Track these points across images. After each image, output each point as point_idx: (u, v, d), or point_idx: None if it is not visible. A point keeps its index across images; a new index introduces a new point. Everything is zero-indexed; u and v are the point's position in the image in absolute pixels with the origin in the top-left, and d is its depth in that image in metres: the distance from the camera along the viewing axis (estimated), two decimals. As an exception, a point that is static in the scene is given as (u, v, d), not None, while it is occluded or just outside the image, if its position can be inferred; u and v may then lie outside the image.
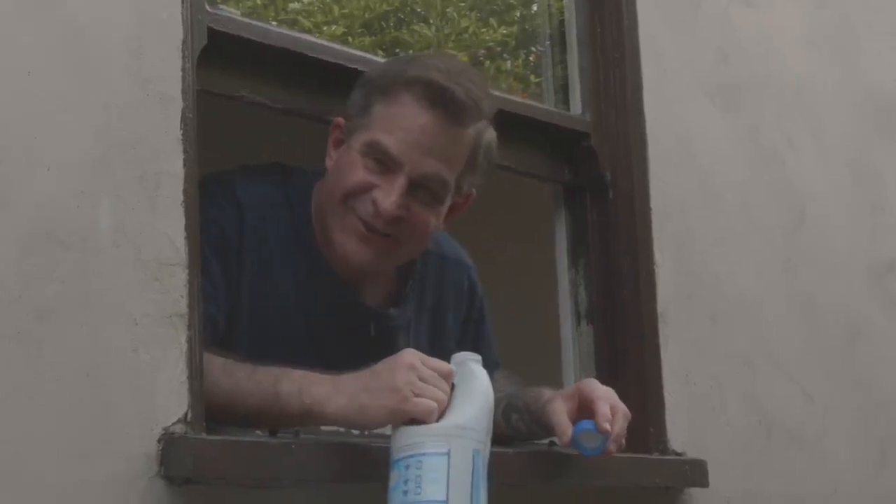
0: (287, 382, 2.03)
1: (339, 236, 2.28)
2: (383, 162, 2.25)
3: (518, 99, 2.84)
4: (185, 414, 1.92)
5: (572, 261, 2.83)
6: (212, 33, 2.10)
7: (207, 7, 2.11)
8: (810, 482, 3.09)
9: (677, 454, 2.75)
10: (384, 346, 2.25)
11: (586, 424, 2.26)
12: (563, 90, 2.94)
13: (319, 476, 2.04)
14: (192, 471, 1.89)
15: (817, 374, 3.20)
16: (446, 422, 1.95)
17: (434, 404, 1.96)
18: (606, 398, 2.27)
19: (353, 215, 2.26)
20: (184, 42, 2.01)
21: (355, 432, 2.23)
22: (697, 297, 2.92)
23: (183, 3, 2.02)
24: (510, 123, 2.68)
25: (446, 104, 2.23)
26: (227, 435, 2.02)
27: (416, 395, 1.96)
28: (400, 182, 2.23)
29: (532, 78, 4.78)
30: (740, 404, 2.97)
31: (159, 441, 1.89)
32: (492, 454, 2.33)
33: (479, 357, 2.06)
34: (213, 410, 1.99)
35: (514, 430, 2.41)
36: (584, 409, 2.29)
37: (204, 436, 1.93)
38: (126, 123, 1.93)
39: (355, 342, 2.34)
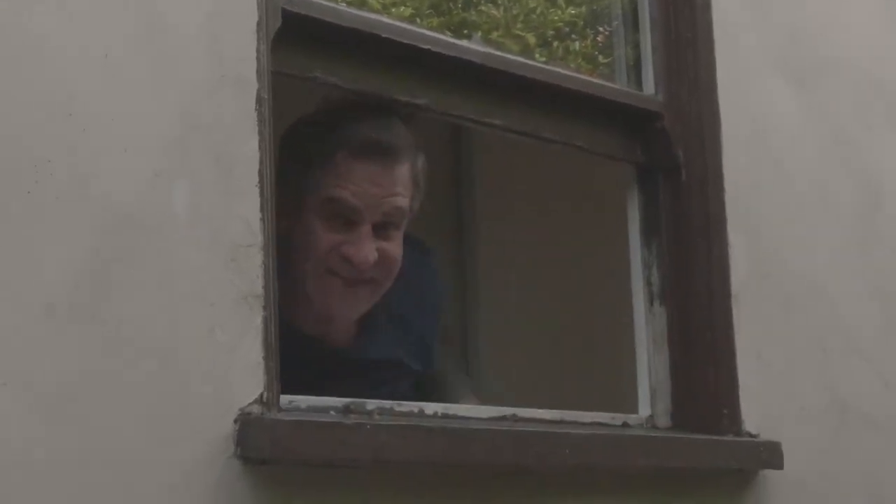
0: None
1: (323, 299, 2.45)
2: (344, 214, 2.40)
3: (591, 79, 2.81)
4: (261, 395, 1.93)
5: (645, 241, 2.81)
6: (286, 15, 2.10)
7: (281, -12, 2.11)
8: (886, 465, 3.06)
9: (751, 436, 2.73)
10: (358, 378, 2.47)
11: None
12: (635, 70, 2.92)
13: (395, 457, 2.04)
14: (269, 451, 1.90)
15: (892, 356, 3.17)
16: None
17: None
18: None
19: (330, 276, 2.42)
20: (259, 24, 2.02)
21: (428, 412, 2.24)
22: (771, 279, 2.90)
23: (258, -16, 2.02)
24: (583, 103, 2.67)
25: (382, 151, 2.42)
26: (302, 415, 2.03)
27: None
28: (366, 230, 2.41)
29: (600, 58, 4.75)
30: (814, 387, 2.95)
31: (235, 422, 1.90)
32: (565, 436, 2.34)
33: None
34: None
35: None
36: None
37: (280, 416, 1.94)
38: (202, 105, 1.94)
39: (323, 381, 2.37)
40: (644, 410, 2.72)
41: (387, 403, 2.20)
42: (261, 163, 1.98)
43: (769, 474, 2.74)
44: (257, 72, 2.00)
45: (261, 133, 1.99)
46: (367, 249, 2.41)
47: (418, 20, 5.27)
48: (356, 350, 2.57)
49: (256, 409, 1.92)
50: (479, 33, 5.22)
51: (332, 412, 2.09)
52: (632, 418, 2.66)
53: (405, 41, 2.34)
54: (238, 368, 1.92)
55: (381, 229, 2.44)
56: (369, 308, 2.55)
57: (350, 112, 2.46)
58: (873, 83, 3.30)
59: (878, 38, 3.35)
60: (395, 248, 2.47)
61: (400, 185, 2.46)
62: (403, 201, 2.47)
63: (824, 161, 3.11)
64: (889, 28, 3.39)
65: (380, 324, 2.60)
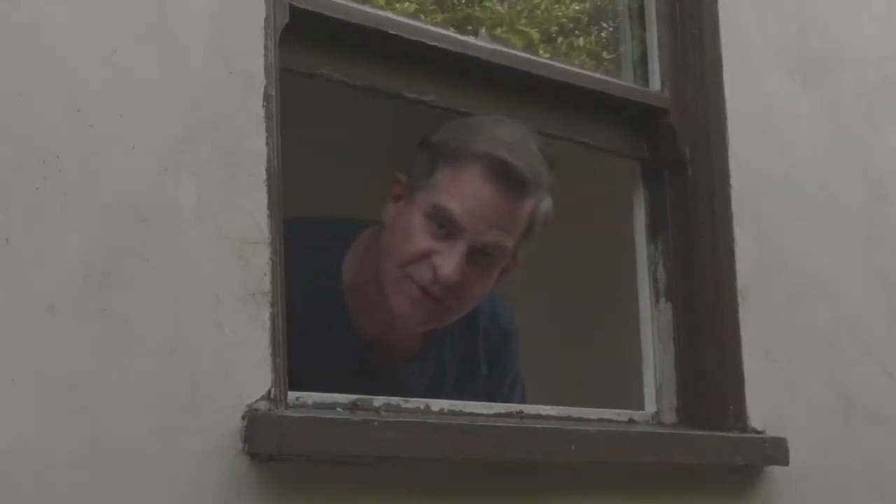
0: None
1: (395, 299, 2.36)
2: (446, 227, 2.31)
3: (597, 75, 2.81)
4: (269, 391, 1.93)
5: (651, 237, 2.81)
6: (293, 11, 2.09)
7: (289, -15, 2.11)
8: (892, 461, 3.06)
9: (757, 432, 2.73)
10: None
11: None
12: (641, 66, 2.91)
13: (401, 453, 2.04)
14: (276, 448, 1.90)
15: (898, 352, 3.17)
16: None
17: None
18: None
19: (409, 281, 2.33)
20: (266, 20, 2.02)
21: (435, 409, 2.24)
22: (777, 275, 2.90)
23: (265, -20, 2.02)
24: (589, 99, 2.67)
25: (511, 179, 2.31)
26: (309, 412, 2.03)
27: None
28: (460, 248, 2.31)
29: (604, 54, 4.76)
30: (820, 382, 2.95)
31: (243, 418, 1.90)
32: (571, 432, 2.34)
33: None
34: None
35: None
36: None
37: (287, 413, 1.94)
38: (209, 101, 1.94)
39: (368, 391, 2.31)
40: (650, 407, 2.73)
41: (393, 400, 2.20)
42: (268, 159, 1.98)
43: (775, 470, 2.74)
44: (265, 68, 2.00)
45: (268, 129, 1.99)
46: (454, 266, 2.29)
47: (422, 16, 5.27)
48: (408, 371, 2.52)
49: (264, 405, 1.92)
50: (483, 29, 5.23)
51: (339, 409, 2.09)
52: (638, 415, 2.66)
53: (413, 38, 2.34)
54: (245, 365, 1.92)
55: (476, 255, 2.32)
56: (432, 329, 2.48)
57: (501, 122, 2.39)
58: (879, 79, 3.30)
59: (885, 35, 3.34)
60: (479, 282, 2.36)
61: (513, 222, 2.34)
62: (509, 240, 2.35)
63: (831, 157, 3.11)
64: (894, 25, 3.39)
65: (431, 359, 2.56)
